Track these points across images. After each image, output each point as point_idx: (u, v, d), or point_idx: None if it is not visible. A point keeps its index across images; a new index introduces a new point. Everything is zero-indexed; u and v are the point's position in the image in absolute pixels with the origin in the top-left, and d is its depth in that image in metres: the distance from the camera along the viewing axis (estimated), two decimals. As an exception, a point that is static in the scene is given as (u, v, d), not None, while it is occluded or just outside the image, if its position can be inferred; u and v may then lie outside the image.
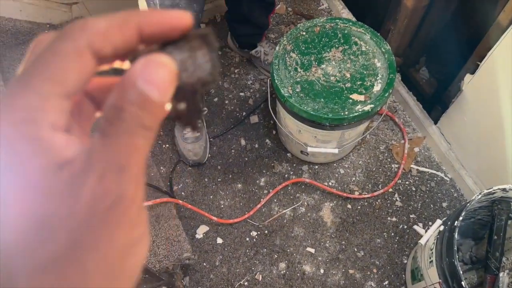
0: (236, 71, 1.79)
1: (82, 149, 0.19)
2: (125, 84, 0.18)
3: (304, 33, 1.32)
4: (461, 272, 0.93)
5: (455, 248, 0.96)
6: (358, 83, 1.23)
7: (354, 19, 1.79)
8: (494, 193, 1.04)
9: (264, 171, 1.58)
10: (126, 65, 0.23)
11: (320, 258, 1.43)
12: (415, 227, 1.46)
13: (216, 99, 1.72)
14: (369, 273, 1.41)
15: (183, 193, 1.54)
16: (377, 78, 1.23)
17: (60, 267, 0.17)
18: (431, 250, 1.11)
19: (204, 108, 1.59)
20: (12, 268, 0.17)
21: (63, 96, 0.19)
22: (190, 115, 0.23)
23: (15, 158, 0.18)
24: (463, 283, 0.92)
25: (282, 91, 1.21)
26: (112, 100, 0.18)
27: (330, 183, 1.55)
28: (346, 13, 1.83)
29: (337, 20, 1.33)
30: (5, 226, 0.17)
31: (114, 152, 0.18)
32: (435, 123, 1.56)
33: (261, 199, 1.51)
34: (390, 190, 1.54)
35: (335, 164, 1.59)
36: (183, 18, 0.21)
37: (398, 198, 1.52)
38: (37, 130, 0.18)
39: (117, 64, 0.23)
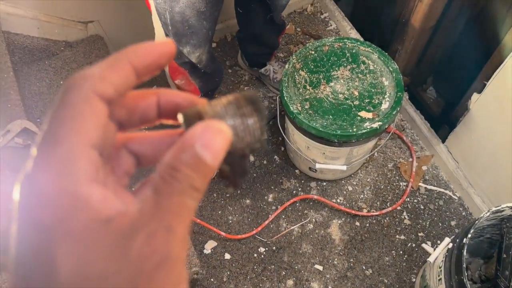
0: (245, 88, 1.82)
1: (126, 205, 0.19)
2: (183, 145, 0.19)
3: (313, 52, 1.35)
4: (470, 290, 0.93)
5: (464, 266, 0.96)
6: (366, 101, 1.25)
7: (362, 39, 1.82)
8: (502, 210, 1.04)
9: (272, 187, 1.59)
10: (170, 121, 0.25)
11: (328, 276, 1.43)
12: (424, 245, 1.45)
13: (225, 116, 1.74)
14: (377, 291, 1.40)
15: (191, 208, 1.55)
16: (385, 96, 1.25)
17: None
18: (440, 268, 1.10)
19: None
20: None
21: (89, 145, 0.20)
22: (235, 176, 0.24)
23: (58, 214, 0.18)
24: (472, 300, 0.91)
25: (291, 107, 1.24)
26: (168, 159, 0.19)
27: (338, 200, 1.56)
28: (354, 34, 1.86)
29: (345, 40, 1.36)
30: (57, 283, 0.18)
31: (165, 212, 0.19)
32: (443, 141, 1.57)
33: (269, 215, 1.52)
34: (399, 208, 1.54)
35: (343, 181, 1.60)
36: (166, 45, 0.23)
37: (406, 216, 1.52)
38: (73, 184, 0.18)
39: (164, 120, 0.25)
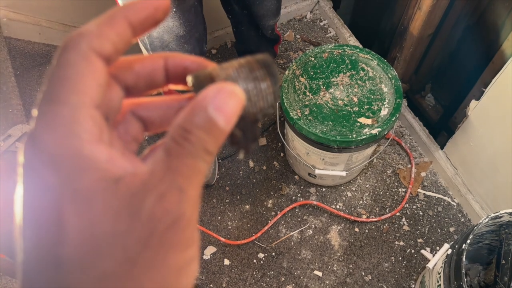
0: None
1: (135, 166, 0.19)
2: (196, 107, 0.19)
3: (312, 59, 1.36)
4: (469, 295, 0.93)
5: (463, 271, 0.96)
6: (366, 107, 1.26)
7: (361, 46, 1.83)
8: (501, 216, 1.04)
9: (271, 193, 1.59)
10: (179, 87, 0.24)
11: (327, 282, 1.43)
12: (423, 251, 1.45)
13: (225, 122, 1.75)
14: (376, 297, 1.40)
15: (191, 214, 1.56)
16: (384, 102, 1.26)
17: (117, 282, 0.17)
18: (439, 274, 1.11)
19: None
20: (71, 282, 0.17)
21: (90, 105, 0.19)
22: (246, 141, 0.23)
23: (64, 174, 0.18)
24: (472, 306, 0.91)
25: (291, 113, 1.24)
26: (181, 121, 0.19)
27: (337, 206, 1.56)
28: (353, 41, 1.88)
29: (345, 47, 1.37)
30: (65, 243, 0.17)
31: (177, 173, 0.18)
32: (442, 148, 1.58)
33: (269, 221, 1.52)
34: (398, 214, 1.54)
35: (342, 187, 1.60)
36: None
37: (405, 222, 1.53)
38: (77, 143, 0.18)
39: (172, 85, 0.24)
